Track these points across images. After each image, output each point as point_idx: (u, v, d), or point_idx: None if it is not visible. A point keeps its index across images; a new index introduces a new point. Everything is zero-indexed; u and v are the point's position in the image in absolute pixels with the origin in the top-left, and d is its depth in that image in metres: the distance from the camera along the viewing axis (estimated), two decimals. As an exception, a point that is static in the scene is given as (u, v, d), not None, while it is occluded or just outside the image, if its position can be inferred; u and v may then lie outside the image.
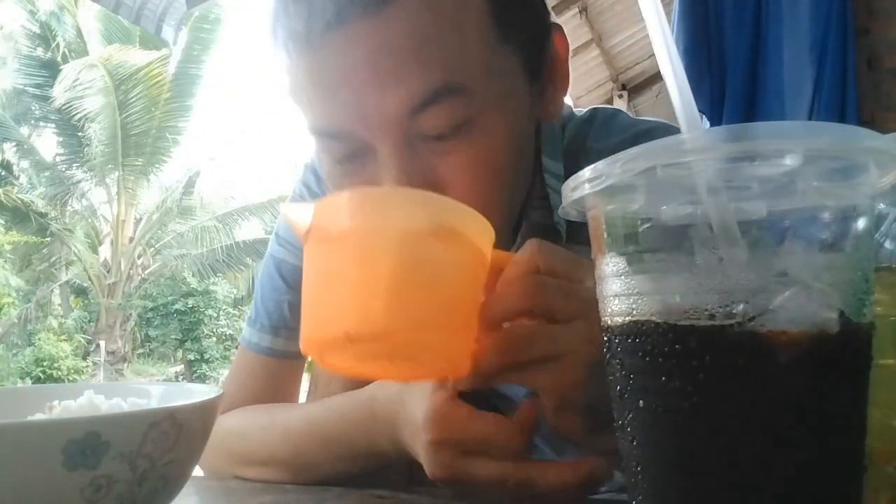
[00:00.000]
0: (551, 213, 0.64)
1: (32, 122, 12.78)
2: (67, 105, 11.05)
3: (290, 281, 0.76)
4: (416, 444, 0.50)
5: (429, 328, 0.41)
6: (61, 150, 12.27)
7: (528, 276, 0.44)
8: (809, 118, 2.00)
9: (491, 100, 0.54)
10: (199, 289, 13.45)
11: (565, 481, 0.46)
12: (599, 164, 0.30)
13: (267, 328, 0.77)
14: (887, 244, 0.35)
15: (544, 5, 0.61)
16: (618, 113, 0.73)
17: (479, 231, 0.43)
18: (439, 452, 0.48)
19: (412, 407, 0.50)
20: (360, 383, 0.60)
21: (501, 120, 0.55)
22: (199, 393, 0.48)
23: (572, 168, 0.65)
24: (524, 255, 0.44)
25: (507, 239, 0.62)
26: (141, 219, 12.92)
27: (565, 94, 0.62)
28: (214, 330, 13.94)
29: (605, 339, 0.34)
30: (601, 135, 0.68)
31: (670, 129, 0.67)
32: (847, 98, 1.99)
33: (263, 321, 0.77)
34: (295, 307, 0.73)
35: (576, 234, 0.63)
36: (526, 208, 0.64)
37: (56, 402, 0.47)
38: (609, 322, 0.33)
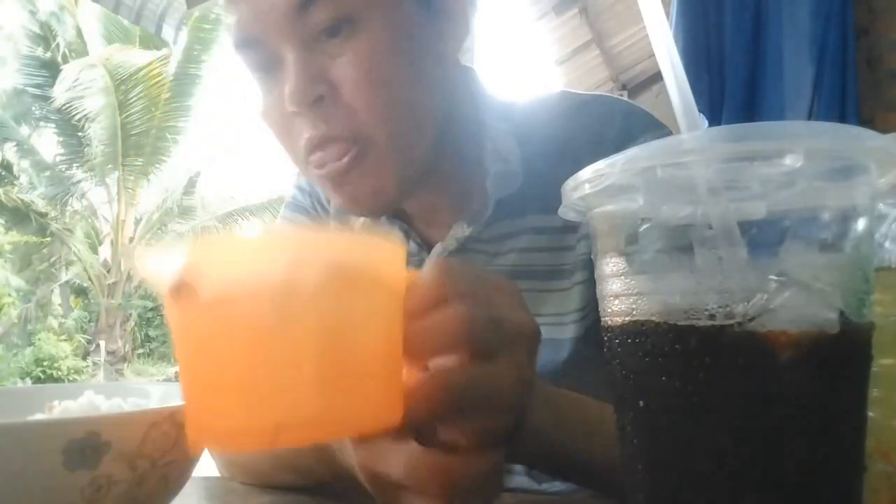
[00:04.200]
0: (507, 163, 0.67)
1: (32, 122, 12.76)
2: (67, 105, 11.03)
3: None
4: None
5: (364, 400, 0.33)
6: (61, 150, 12.26)
7: (448, 309, 0.36)
8: (809, 118, 2.00)
9: (372, 3, 0.58)
10: (199, 289, 13.41)
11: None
12: (599, 164, 0.30)
13: None
14: (887, 244, 0.35)
15: None
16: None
17: (389, 258, 0.34)
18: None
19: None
20: None
21: (385, 26, 0.58)
22: (199, 393, 0.48)
23: (527, 134, 0.68)
24: (432, 278, 0.37)
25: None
26: (141, 219, 12.90)
27: (464, 38, 0.65)
28: (214, 330, 13.90)
29: (605, 338, 0.34)
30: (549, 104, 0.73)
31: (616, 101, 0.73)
32: (847, 98, 1.99)
33: None
34: None
35: (534, 180, 0.66)
36: (485, 165, 0.67)
37: (56, 402, 0.46)
38: (609, 322, 0.33)
